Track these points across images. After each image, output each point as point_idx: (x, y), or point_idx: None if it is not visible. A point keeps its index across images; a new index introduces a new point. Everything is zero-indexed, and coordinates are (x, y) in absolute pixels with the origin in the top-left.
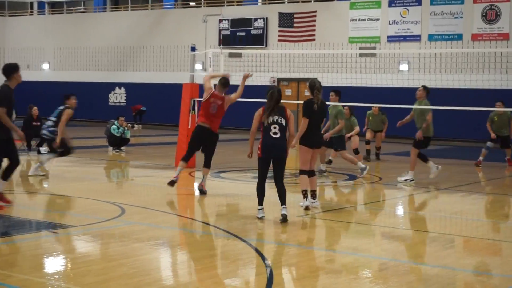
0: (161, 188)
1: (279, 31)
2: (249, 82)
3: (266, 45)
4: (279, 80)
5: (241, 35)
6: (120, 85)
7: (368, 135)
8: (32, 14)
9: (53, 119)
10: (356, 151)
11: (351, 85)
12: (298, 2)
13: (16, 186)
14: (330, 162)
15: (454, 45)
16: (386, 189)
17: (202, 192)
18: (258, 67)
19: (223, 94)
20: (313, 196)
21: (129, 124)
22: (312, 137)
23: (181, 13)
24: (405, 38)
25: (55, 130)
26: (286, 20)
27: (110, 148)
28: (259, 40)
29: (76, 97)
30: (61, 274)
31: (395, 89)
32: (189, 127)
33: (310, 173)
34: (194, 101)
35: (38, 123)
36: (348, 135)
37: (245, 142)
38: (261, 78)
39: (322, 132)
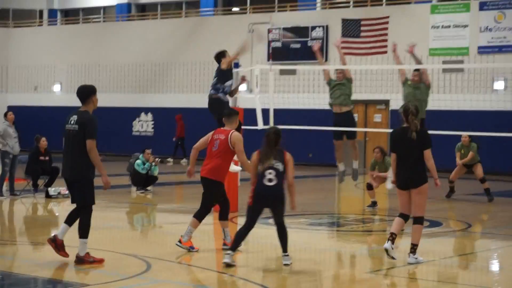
0: (195, 238)
1: (343, 42)
2: (306, 105)
3: (326, 60)
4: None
5: (296, 48)
6: (147, 110)
7: (458, 172)
8: (41, 25)
9: None
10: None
11: (433, 108)
12: (366, 5)
13: (19, 236)
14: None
15: None
16: (476, 239)
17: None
18: (316, 87)
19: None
20: (413, 250)
21: (157, 159)
22: (401, 175)
23: (222, 21)
24: (500, 49)
25: None
26: (351, 28)
27: (134, 188)
28: None
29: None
30: None
31: (488, 113)
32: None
33: (414, 220)
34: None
35: (47, 158)
36: (380, 174)
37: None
38: (320, 101)
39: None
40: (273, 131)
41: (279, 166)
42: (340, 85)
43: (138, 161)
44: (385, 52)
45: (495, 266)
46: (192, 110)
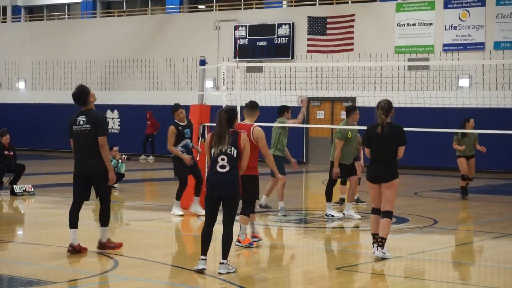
0: (162, 235)
1: (309, 39)
2: (270, 102)
3: (292, 57)
4: (309, 99)
5: (262, 45)
6: (112, 107)
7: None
8: (5, 21)
9: None
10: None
11: (398, 105)
12: (332, 3)
13: None
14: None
15: None
16: (442, 235)
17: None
18: (283, 84)
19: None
20: (381, 244)
21: (123, 156)
22: (371, 169)
23: (188, 19)
24: (465, 47)
25: None
26: (317, 26)
27: None
28: (284, 51)
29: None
30: None
31: (454, 110)
32: (198, 159)
33: (383, 214)
34: (204, 126)
35: (11, 153)
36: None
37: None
38: (287, 98)
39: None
40: (225, 109)
41: (233, 151)
42: None
43: None
44: (351, 49)
45: (459, 261)
46: (158, 107)
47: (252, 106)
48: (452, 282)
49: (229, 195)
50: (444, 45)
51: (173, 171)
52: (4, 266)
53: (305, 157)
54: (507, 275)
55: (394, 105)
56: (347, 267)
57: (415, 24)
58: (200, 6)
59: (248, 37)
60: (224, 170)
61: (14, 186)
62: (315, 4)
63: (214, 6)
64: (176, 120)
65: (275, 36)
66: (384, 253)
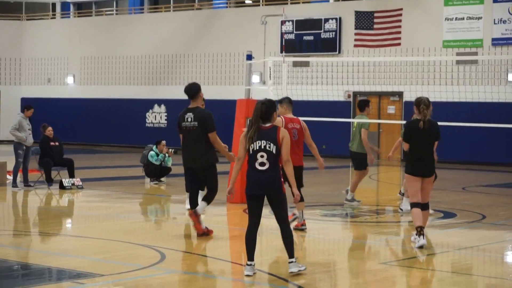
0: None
1: (356, 34)
2: (317, 97)
3: (339, 52)
4: (356, 94)
5: (309, 40)
6: (160, 102)
7: None
8: (54, 18)
9: None
10: None
11: (446, 100)
12: None
13: (33, 227)
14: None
15: None
16: (490, 230)
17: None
18: (329, 79)
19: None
20: (423, 233)
21: (170, 150)
22: (416, 163)
23: (234, 14)
24: None
25: None
26: (364, 20)
27: (148, 180)
28: (330, 45)
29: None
30: None
31: (503, 105)
32: None
33: (423, 207)
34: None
35: (57, 143)
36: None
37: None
38: (334, 93)
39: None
40: (262, 101)
41: (272, 147)
42: None
43: (152, 152)
44: (399, 44)
45: (509, 257)
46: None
47: (291, 101)
48: (500, 278)
49: (271, 193)
50: (493, 39)
51: None
52: (53, 258)
53: None
54: None
55: (442, 100)
56: (393, 261)
57: (463, 18)
58: (247, 1)
59: (294, 31)
60: (264, 168)
61: (63, 180)
62: None
63: (261, 1)
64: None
65: (322, 30)
66: (424, 239)
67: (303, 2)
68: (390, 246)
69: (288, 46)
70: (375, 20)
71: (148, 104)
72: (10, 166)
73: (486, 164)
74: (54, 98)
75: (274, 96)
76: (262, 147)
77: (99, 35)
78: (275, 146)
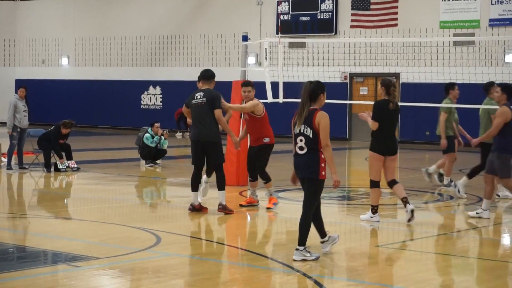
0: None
1: (352, 14)
2: (314, 79)
3: (335, 33)
4: (352, 76)
5: (305, 21)
6: (155, 83)
7: None
8: None
9: None
10: None
11: (443, 81)
12: None
13: (28, 210)
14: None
15: None
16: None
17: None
18: (326, 60)
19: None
20: (406, 202)
21: (165, 131)
22: (383, 142)
23: None
24: (511, 22)
25: None
26: (361, 0)
27: (143, 162)
28: (327, 26)
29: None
30: None
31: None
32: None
33: (392, 183)
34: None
35: (65, 141)
36: None
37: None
38: (330, 74)
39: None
40: (312, 81)
41: (309, 131)
42: None
43: (147, 135)
44: (396, 25)
45: (506, 239)
46: None
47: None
48: (497, 260)
49: (305, 176)
50: (490, 20)
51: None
52: (48, 241)
53: (348, 134)
54: None
55: (439, 81)
56: (390, 244)
57: None
58: None
59: (290, 12)
60: (302, 152)
61: (58, 163)
62: None
63: None
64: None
65: (318, 11)
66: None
67: None
68: (387, 228)
69: (284, 27)
70: (372, 0)
71: (143, 85)
72: (5, 149)
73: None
74: (49, 80)
75: (270, 78)
76: (301, 131)
77: (93, 16)
78: (311, 130)
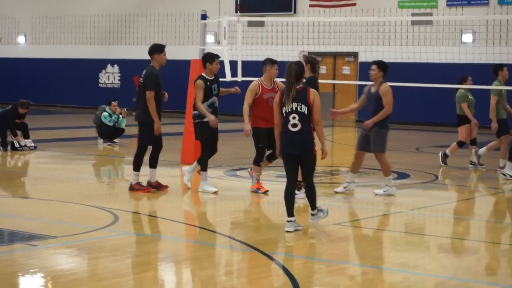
0: (162, 191)
1: None
2: (274, 57)
3: (295, 12)
4: (311, 54)
5: None
6: (113, 62)
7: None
8: None
9: None
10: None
11: (401, 60)
12: None
13: None
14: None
15: None
16: (443, 190)
17: None
18: (284, 39)
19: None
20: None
21: (123, 110)
22: None
23: None
24: (469, 2)
25: None
26: None
27: (101, 141)
28: (286, 5)
29: None
30: None
31: (457, 65)
32: None
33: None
34: None
35: (22, 120)
36: None
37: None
38: (289, 53)
39: None
40: (295, 62)
41: (304, 108)
42: None
43: (105, 113)
44: (354, 4)
45: (460, 217)
46: None
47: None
48: (452, 238)
49: (303, 153)
50: (448, 0)
51: (195, 134)
52: (5, 220)
53: None
54: (508, 230)
55: (397, 60)
56: (347, 222)
57: None
58: None
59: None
60: (296, 129)
61: (14, 141)
62: None
63: None
64: (203, 74)
65: None
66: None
67: None
68: (344, 207)
69: (243, 6)
70: None
71: (101, 64)
72: None
73: (439, 125)
74: (5, 58)
75: (228, 57)
76: (294, 108)
77: None
78: (306, 107)
